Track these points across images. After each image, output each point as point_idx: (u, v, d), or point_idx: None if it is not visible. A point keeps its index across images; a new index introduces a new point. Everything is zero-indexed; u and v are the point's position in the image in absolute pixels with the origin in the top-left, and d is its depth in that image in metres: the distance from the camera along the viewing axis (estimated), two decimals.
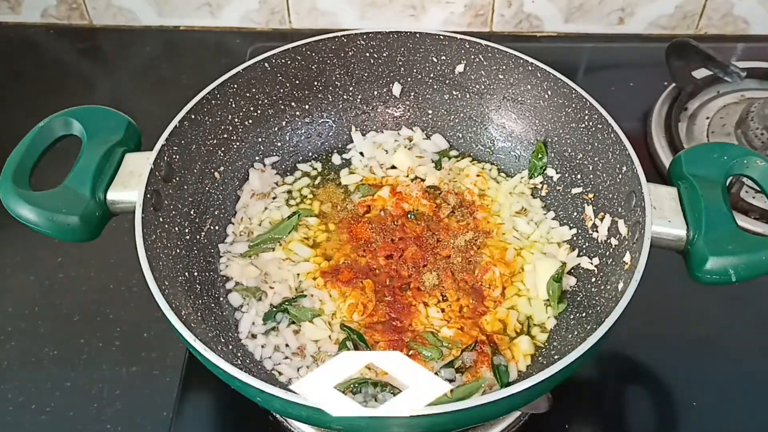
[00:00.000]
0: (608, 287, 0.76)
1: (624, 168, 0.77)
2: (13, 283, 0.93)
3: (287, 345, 0.79)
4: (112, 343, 0.86)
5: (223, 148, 0.89)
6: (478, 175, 0.94)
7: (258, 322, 0.80)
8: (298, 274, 0.84)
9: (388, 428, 0.60)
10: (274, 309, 0.81)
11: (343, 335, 0.78)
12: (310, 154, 0.98)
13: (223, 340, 0.76)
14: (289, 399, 0.58)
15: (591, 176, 0.85)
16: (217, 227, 0.88)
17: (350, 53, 0.94)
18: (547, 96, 0.89)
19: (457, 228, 0.88)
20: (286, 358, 0.78)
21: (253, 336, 0.80)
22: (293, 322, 0.80)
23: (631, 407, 0.82)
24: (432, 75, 0.96)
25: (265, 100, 0.92)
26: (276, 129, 0.95)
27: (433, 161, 0.97)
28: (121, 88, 1.22)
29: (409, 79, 0.97)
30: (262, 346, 0.79)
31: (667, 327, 0.87)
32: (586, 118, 0.84)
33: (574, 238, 0.87)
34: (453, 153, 0.99)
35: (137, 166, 0.75)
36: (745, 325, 0.89)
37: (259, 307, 0.81)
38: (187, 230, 0.82)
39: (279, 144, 0.96)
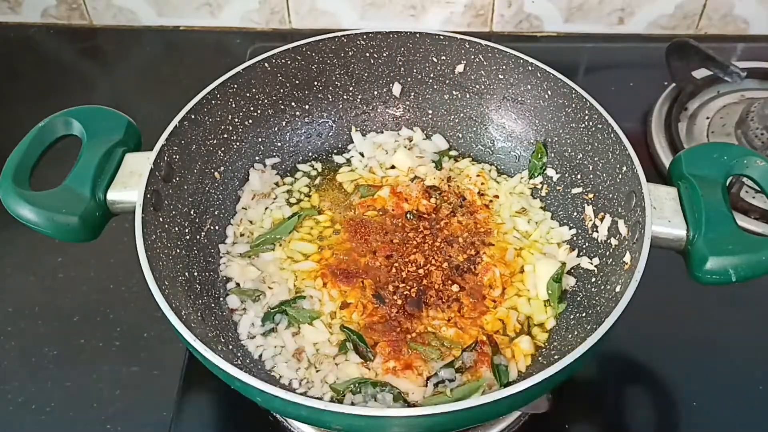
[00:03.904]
0: (608, 287, 0.76)
1: (624, 168, 0.77)
2: (13, 283, 0.93)
3: (285, 347, 0.78)
4: (112, 343, 0.86)
5: (223, 148, 0.89)
6: (478, 175, 0.94)
7: (257, 324, 0.80)
8: (298, 274, 0.84)
9: (388, 428, 0.60)
10: (273, 311, 0.81)
11: (343, 336, 0.78)
12: (310, 154, 0.98)
13: (223, 340, 0.76)
14: (289, 399, 0.58)
15: (591, 176, 0.85)
16: (217, 227, 0.88)
17: (350, 53, 0.94)
18: (547, 96, 0.89)
19: (457, 228, 0.88)
20: (286, 361, 0.77)
21: (253, 337, 0.80)
22: (292, 324, 0.80)
23: (631, 407, 0.82)
24: (432, 75, 0.96)
25: (265, 100, 0.92)
26: (276, 129, 0.95)
27: (433, 161, 0.97)
28: (121, 88, 1.22)
29: (409, 79, 0.97)
30: (262, 348, 0.79)
31: (667, 327, 0.87)
32: (586, 118, 0.84)
33: (574, 238, 0.87)
34: (453, 153, 0.99)
35: (137, 166, 0.75)
36: (745, 325, 0.89)
37: (257, 309, 0.81)
38: (187, 230, 0.82)
39: (279, 144, 0.96)
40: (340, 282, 0.82)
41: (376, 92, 0.98)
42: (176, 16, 1.30)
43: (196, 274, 0.81)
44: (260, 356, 0.78)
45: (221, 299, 0.82)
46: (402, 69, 0.96)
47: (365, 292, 0.81)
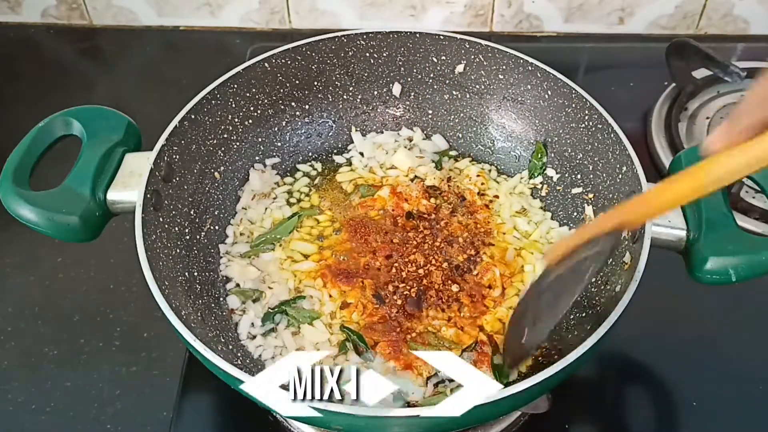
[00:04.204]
0: (608, 287, 0.76)
1: (624, 168, 0.77)
2: (13, 283, 0.93)
3: (285, 347, 0.78)
4: (112, 343, 0.86)
5: (223, 148, 0.89)
6: (478, 175, 0.94)
7: (257, 324, 0.80)
8: (298, 274, 0.84)
9: (388, 428, 0.60)
10: (273, 311, 0.81)
11: (343, 337, 0.78)
12: (310, 154, 0.98)
13: (223, 340, 0.76)
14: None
15: (591, 176, 0.85)
16: (217, 227, 0.88)
17: (350, 53, 0.94)
18: (547, 96, 0.89)
19: (457, 228, 0.88)
20: None
21: (253, 337, 0.79)
22: (292, 324, 0.80)
23: (631, 407, 0.82)
24: (432, 75, 0.96)
25: (265, 100, 0.92)
26: (276, 129, 0.95)
27: (433, 161, 0.97)
28: (121, 88, 1.22)
29: (409, 79, 0.97)
30: (262, 348, 0.79)
31: (667, 327, 0.87)
32: (586, 118, 0.84)
33: None
34: (453, 153, 0.99)
35: (137, 166, 0.75)
36: (745, 325, 0.89)
37: (257, 309, 0.81)
38: (187, 230, 0.82)
39: (279, 144, 0.96)
40: (340, 282, 0.82)
41: (376, 92, 0.98)
42: (176, 16, 1.30)
43: (196, 274, 0.81)
44: (260, 356, 0.78)
45: (221, 299, 0.82)
46: (402, 69, 0.96)
47: (365, 292, 0.81)
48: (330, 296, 0.82)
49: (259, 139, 0.94)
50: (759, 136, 0.45)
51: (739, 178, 0.48)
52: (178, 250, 0.78)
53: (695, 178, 0.50)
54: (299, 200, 0.93)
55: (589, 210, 0.86)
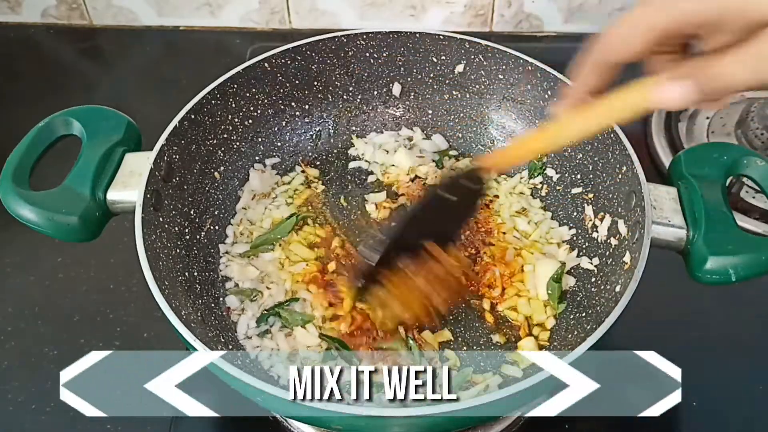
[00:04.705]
0: (608, 287, 0.76)
1: (624, 168, 0.77)
2: (13, 283, 0.93)
3: (280, 348, 0.78)
4: (112, 343, 0.86)
5: (223, 148, 0.89)
6: None
7: (252, 325, 0.80)
8: (295, 276, 0.84)
9: (388, 428, 0.60)
10: (267, 312, 0.81)
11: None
12: (310, 154, 0.98)
13: (223, 340, 0.76)
14: (289, 399, 0.58)
15: (591, 176, 0.85)
16: (217, 227, 0.88)
17: (350, 53, 0.94)
18: (547, 96, 0.89)
19: None
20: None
21: (250, 338, 0.79)
22: (285, 326, 0.80)
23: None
24: (432, 75, 0.96)
25: (265, 100, 0.92)
26: (276, 129, 0.95)
27: (433, 161, 0.97)
28: (121, 88, 1.22)
29: (409, 79, 0.97)
30: (258, 348, 0.78)
31: (667, 327, 0.87)
32: None
33: (574, 238, 0.87)
34: (453, 153, 0.99)
35: (137, 166, 0.75)
36: (745, 325, 0.89)
37: (255, 309, 0.81)
38: (187, 230, 0.82)
39: (279, 144, 0.96)
40: (328, 293, 0.81)
41: (376, 92, 0.98)
42: (176, 16, 1.30)
43: (196, 274, 0.81)
44: (258, 357, 0.78)
45: (221, 299, 0.82)
46: (402, 69, 0.96)
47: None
48: (321, 306, 0.81)
49: (259, 139, 0.94)
50: (592, 103, 0.56)
51: (581, 137, 0.60)
52: (178, 250, 0.78)
53: (545, 138, 0.62)
54: (294, 198, 0.93)
55: (589, 210, 0.86)
